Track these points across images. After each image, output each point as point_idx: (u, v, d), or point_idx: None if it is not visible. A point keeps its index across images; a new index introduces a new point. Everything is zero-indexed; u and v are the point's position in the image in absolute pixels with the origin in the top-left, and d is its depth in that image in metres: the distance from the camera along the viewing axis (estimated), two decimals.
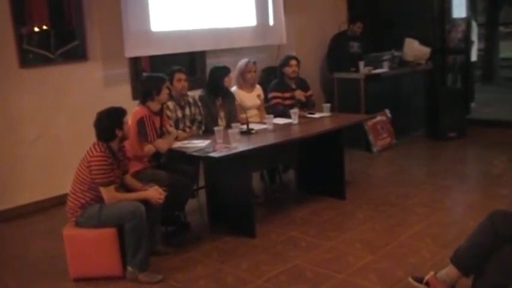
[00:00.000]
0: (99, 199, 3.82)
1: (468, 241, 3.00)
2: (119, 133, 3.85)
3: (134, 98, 5.77)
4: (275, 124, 5.16)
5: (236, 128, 4.79)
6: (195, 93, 5.34)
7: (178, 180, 4.44)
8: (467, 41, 8.25)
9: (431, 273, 3.16)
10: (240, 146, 4.46)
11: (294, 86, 5.91)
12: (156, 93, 4.44)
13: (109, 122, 3.83)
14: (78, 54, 5.66)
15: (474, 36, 8.97)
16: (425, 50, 7.75)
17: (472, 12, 8.63)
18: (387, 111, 7.41)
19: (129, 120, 4.17)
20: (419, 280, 3.21)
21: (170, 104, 4.85)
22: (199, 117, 5.10)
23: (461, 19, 8.13)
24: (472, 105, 8.69)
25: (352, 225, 4.75)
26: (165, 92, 4.49)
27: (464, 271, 3.01)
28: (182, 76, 4.91)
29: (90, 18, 5.68)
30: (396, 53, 7.62)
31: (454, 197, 5.57)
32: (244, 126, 4.96)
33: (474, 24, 8.95)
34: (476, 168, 6.64)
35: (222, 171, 4.74)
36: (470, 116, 8.15)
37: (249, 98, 5.62)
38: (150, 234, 3.92)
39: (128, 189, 4.03)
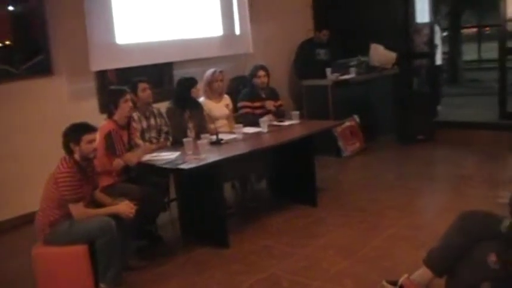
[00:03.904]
0: (69, 216, 3.74)
1: (440, 242, 3.03)
2: (74, 148, 3.76)
3: (101, 112, 5.69)
4: (245, 133, 5.15)
5: (205, 138, 4.76)
6: (163, 105, 5.30)
7: (149, 193, 4.38)
8: (431, 44, 8.37)
9: (405, 275, 3.18)
10: (210, 156, 4.43)
11: (263, 96, 5.93)
12: (114, 107, 4.42)
13: (66, 136, 3.77)
14: (44, 69, 5.58)
15: (438, 40, 9.11)
16: (391, 55, 7.83)
17: (435, 16, 8.75)
18: (355, 116, 7.45)
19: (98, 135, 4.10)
20: (394, 283, 3.22)
21: (135, 115, 4.82)
22: (165, 128, 5.08)
23: (425, 24, 8.24)
24: (439, 108, 8.79)
25: (326, 231, 4.75)
26: (125, 105, 4.44)
27: (437, 272, 3.03)
28: (145, 85, 4.91)
29: (55, 32, 5.60)
30: (363, 59, 7.69)
31: (425, 199, 5.62)
32: (214, 137, 4.94)
33: (437, 29, 9.09)
34: (445, 169, 6.71)
35: (193, 183, 4.70)
36: (438, 118, 8.25)
37: (218, 108, 5.61)
38: (122, 249, 3.86)
39: (98, 204, 3.97)
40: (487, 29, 13.67)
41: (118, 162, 4.36)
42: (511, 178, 5.71)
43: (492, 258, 2.62)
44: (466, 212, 2.99)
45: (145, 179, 4.54)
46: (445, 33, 10.75)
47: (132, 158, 4.42)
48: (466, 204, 4.75)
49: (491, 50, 11.69)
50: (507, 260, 2.54)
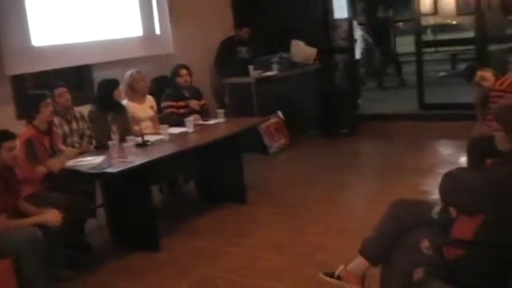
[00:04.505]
0: None
1: (374, 232, 3.08)
2: None
3: (19, 118, 5.44)
4: (171, 134, 5.08)
5: (131, 141, 4.66)
6: (84, 109, 5.14)
7: (75, 200, 4.22)
8: (350, 40, 8.54)
9: (342, 266, 3.21)
10: (137, 159, 4.33)
11: (187, 95, 5.87)
12: (35, 112, 4.25)
13: None
14: None
15: (356, 35, 9.32)
16: (311, 51, 7.93)
17: (352, 12, 8.95)
18: (279, 113, 7.50)
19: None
20: (331, 275, 3.24)
21: (56, 119, 4.66)
22: (87, 132, 4.95)
23: (343, 19, 8.41)
24: (359, 101, 9.00)
25: (257, 229, 4.75)
26: (46, 110, 4.28)
27: (372, 261, 3.08)
28: (62, 90, 4.77)
29: None
30: (284, 55, 7.75)
31: (352, 190, 5.73)
32: (139, 139, 4.83)
33: (355, 24, 9.29)
34: (370, 161, 6.88)
35: (120, 187, 4.57)
36: (359, 112, 8.43)
37: (142, 109, 5.50)
38: (50, 260, 3.69)
39: (23, 214, 3.78)
40: (400, 24, 14.07)
41: (40, 169, 4.18)
42: (432, 166, 5.90)
43: (425, 244, 2.67)
44: (398, 201, 3.06)
45: (70, 186, 4.38)
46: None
47: (55, 164, 4.25)
48: (392, 193, 4.83)
49: (405, 44, 12.05)
50: (439, 245, 2.59)
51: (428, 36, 12.18)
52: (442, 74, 11.88)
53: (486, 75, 4.70)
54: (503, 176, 2.47)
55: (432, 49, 11.59)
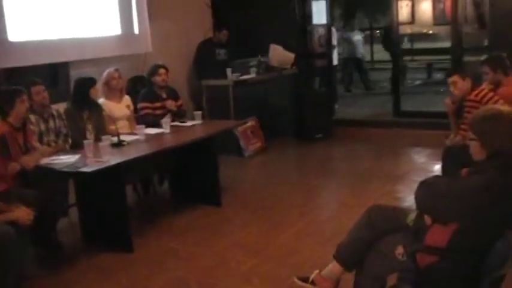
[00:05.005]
0: None
1: (348, 237, 3.09)
2: None
3: None
4: (147, 134, 5.05)
5: (107, 140, 4.62)
6: (58, 106, 5.08)
7: (48, 198, 4.16)
8: (328, 45, 8.59)
9: (316, 271, 3.21)
10: (113, 158, 4.30)
11: (164, 96, 5.83)
12: (10, 107, 4.17)
13: None
14: None
15: (334, 41, 9.38)
16: (290, 55, 7.96)
17: (331, 18, 9.00)
18: (255, 117, 7.51)
19: None
20: (305, 280, 3.24)
21: (32, 117, 4.59)
22: (64, 130, 4.89)
23: (322, 25, 8.46)
24: (336, 106, 9.06)
25: (231, 231, 4.74)
26: (22, 106, 4.21)
27: (346, 266, 3.08)
28: (39, 88, 4.68)
29: None
30: (262, 59, 7.77)
31: (326, 195, 5.77)
32: (115, 138, 4.79)
33: (333, 30, 9.35)
34: (344, 166, 6.92)
35: (94, 186, 4.53)
36: (335, 117, 8.48)
37: (118, 108, 5.45)
38: (20, 257, 3.63)
39: None
40: (377, 31, 14.25)
41: (14, 166, 4.10)
42: (405, 173, 5.96)
43: (399, 251, 2.70)
44: (373, 206, 3.07)
45: (43, 184, 4.32)
46: None
47: (29, 161, 4.18)
48: (366, 199, 4.93)
49: (381, 52, 12.19)
50: (413, 252, 2.62)
51: (405, 45, 12.34)
52: (418, 82, 12.04)
53: (459, 83, 4.69)
54: (478, 185, 2.49)
55: (409, 57, 11.77)
